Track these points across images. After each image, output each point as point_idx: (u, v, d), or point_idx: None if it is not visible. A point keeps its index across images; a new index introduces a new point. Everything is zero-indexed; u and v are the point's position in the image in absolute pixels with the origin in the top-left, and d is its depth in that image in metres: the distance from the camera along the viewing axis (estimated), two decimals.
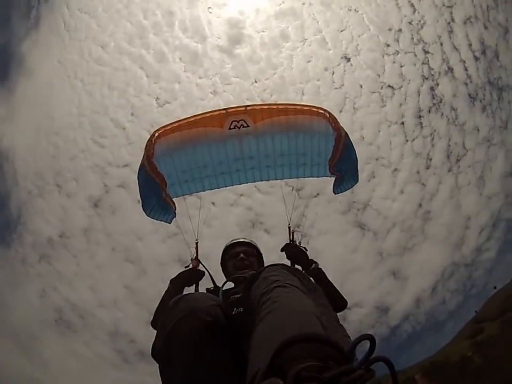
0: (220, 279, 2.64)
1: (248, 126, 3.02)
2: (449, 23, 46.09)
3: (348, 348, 0.89)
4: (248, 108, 3.06)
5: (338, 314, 2.67)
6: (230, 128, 3.02)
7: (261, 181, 3.25)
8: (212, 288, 2.53)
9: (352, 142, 3.11)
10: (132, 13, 45.31)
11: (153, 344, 1.55)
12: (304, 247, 2.91)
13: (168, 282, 2.62)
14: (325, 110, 3.04)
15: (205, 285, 2.65)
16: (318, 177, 3.19)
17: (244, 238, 3.01)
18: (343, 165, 3.09)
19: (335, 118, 3.03)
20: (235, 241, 2.98)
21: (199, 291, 2.62)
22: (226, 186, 3.25)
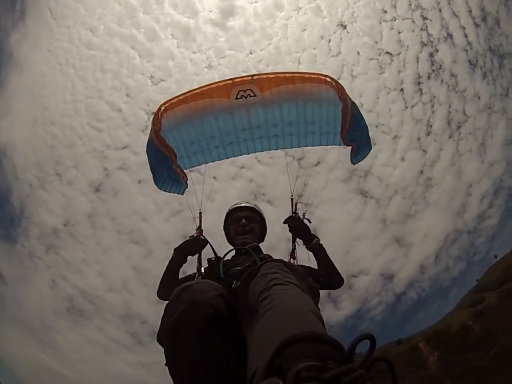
0: (222, 251, 2.64)
1: (255, 95, 2.98)
2: None
3: (348, 348, 0.89)
4: (254, 77, 3.02)
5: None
6: (237, 98, 2.98)
7: (269, 150, 3.22)
8: (213, 259, 2.56)
9: (360, 110, 3.07)
10: None
11: (158, 332, 1.57)
12: (308, 219, 2.91)
13: (172, 251, 2.64)
14: (332, 79, 2.99)
15: (207, 256, 2.66)
16: (327, 145, 3.16)
17: (247, 202, 3.02)
18: (355, 135, 3.07)
19: (341, 87, 2.98)
20: (238, 205, 2.98)
21: (202, 261, 2.63)
22: (234, 156, 3.23)
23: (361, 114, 3.08)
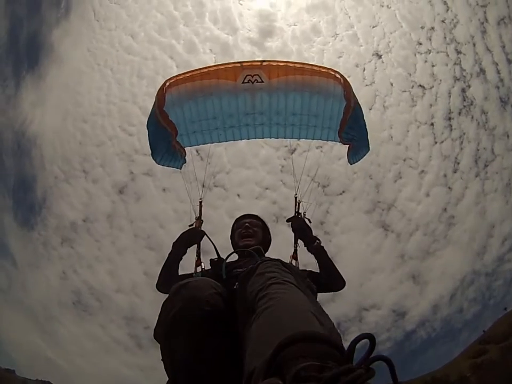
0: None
1: (262, 81, 2.96)
2: (482, 23, 44.25)
3: (348, 347, 0.88)
4: (264, 63, 2.99)
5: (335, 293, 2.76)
6: (243, 82, 2.96)
7: (270, 137, 3.20)
8: (215, 260, 2.52)
9: (363, 112, 3.08)
10: (162, 3, 45.29)
11: (155, 328, 1.57)
12: (308, 219, 2.88)
13: (171, 245, 2.65)
14: (341, 75, 2.98)
15: (207, 252, 2.64)
16: (326, 140, 3.14)
17: (251, 213, 3.02)
18: (353, 134, 3.05)
19: (349, 85, 2.98)
20: (244, 214, 3.00)
21: (201, 254, 2.64)
22: (234, 140, 3.20)
23: (363, 115, 3.07)
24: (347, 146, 3.14)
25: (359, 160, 3.19)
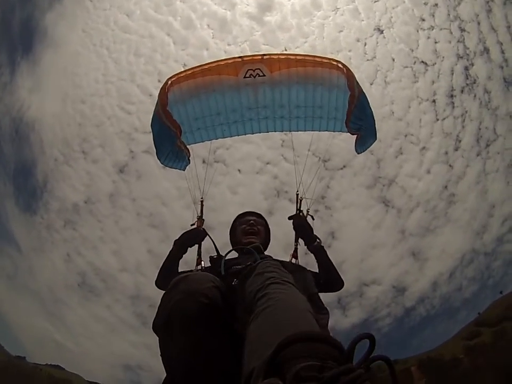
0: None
1: (264, 75, 2.94)
2: (488, 1, 44.42)
3: (348, 347, 0.87)
4: (264, 57, 2.96)
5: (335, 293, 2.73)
6: (245, 77, 2.94)
7: (274, 131, 3.18)
8: (215, 257, 2.53)
9: (368, 100, 3.02)
10: None
11: (154, 320, 1.57)
12: (312, 216, 2.86)
13: (173, 243, 2.65)
14: (343, 65, 2.94)
15: (208, 250, 2.63)
16: (333, 131, 3.11)
17: (255, 211, 2.99)
18: (360, 124, 3.02)
19: (352, 75, 2.93)
20: (247, 211, 2.97)
21: (201, 253, 2.65)
22: (238, 135, 3.19)
23: (368, 104, 3.02)
24: (354, 136, 3.12)
25: (366, 149, 3.16)
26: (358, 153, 3.20)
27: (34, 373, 43.26)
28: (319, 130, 3.11)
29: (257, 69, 2.94)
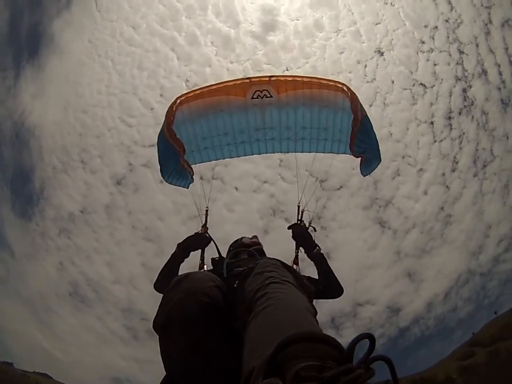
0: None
1: (271, 96, 2.99)
2: (486, 24, 44.81)
3: (348, 347, 0.87)
4: (272, 79, 3.02)
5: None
6: (252, 98, 3.00)
7: (280, 152, 3.23)
8: (217, 259, 2.56)
9: (372, 123, 3.07)
10: None
11: (154, 319, 1.57)
12: (314, 227, 2.90)
13: (176, 246, 2.64)
14: (348, 88, 2.99)
15: (210, 255, 2.66)
16: (337, 153, 3.16)
17: None
18: (364, 148, 3.06)
19: (356, 98, 2.99)
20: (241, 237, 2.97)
21: (205, 258, 2.67)
22: (245, 155, 3.24)
23: (372, 127, 3.07)
24: (359, 158, 3.16)
25: (371, 172, 3.19)
26: (364, 176, 3.23)
27: (22, 380, 42.63)
28: (324, 152, 3.16)
29: (264, 90, 3.00)
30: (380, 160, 3.15)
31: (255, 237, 2.91)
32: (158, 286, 2.59)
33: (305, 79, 3.03)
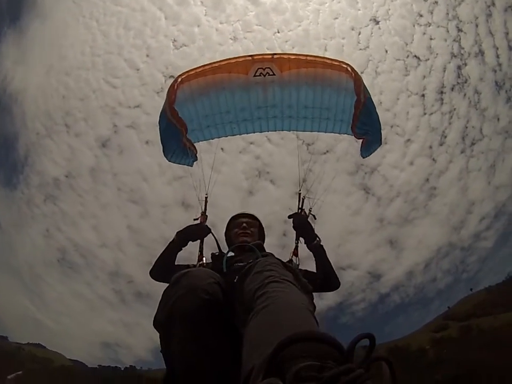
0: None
1: (274, 74, 2.96)
2: (489, 6, 44.78)
3: (348, 347, 0.88)
4: (275, 56, 2.99)
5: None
6: (255, 75, 2.96)
7: (282, 130, 3.22)
8: (217, 254, 2.56)
9: (374, 105, 3.06)
10: None
11: (155, 316, 1.58)
12: (314, 215, 2.88)
13: (175, 234, 2.62)
14: (352, 69, 2.97)
15: (209, 247, 2.66)
16: (339, 133, 3.15)
17: (247, 211, 3.01)
18: (366, 129, 3.07)
19: (359, 79, 2.97)
20: (240, 213, 2.98)
21: (204, 249, 2.64)
22: (247, 133, 3.22)
23: (375, 109, 3.06)
24: (360, 140, 3.16)
25: (371, 154, 3.20)
26: (364, 158, 3.23)
27: (18, 353, 43.07)
28: (325, 132, 3.15)
29: (267, 67, 2.96)
30: (380, 143, 3.15)
31: (246, 216, 2.93)
32: (154, 274, 2.61)
33: (309, 58, 2.99)
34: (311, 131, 3.17)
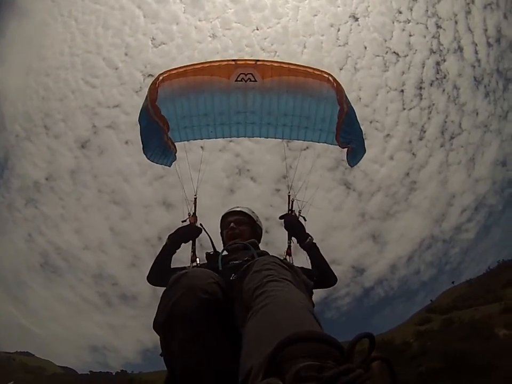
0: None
1: (255, 80, 2.96)
2: (468, 3, 45.51)
3: (347, 347, 0.88)
4: (258, 63, 2.99)
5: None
6: (236, 80, 2.96)
7: (260, 137, 3.22)
8: (211, 253, 2.57)
9: (356, 114, 3.06)
10: None
11: (154, 318, 1.57)
12: (304, 217, 2.91)
13: (167, 238, 2.64)
14: (334, 79, 2.98)
15: (202, 246, 2.70)
16: (318, 142, 3.17)
17: (238, 207, 3.00)
18: (350, 138, 3.08)
19: (341, 90, 2.98)
20: (229, 210, 2.98)
21: (196, 251, 2.65)
22: (224, 138, 3.23)
23: (356, 118, 3.08)
24: (345, 149, 3.18)
25: (358, 162, 3.23)
26: (351, 166, 3.27)
27: (9, 363, 42.17)
28: (304, 140, 3.16)
29: (249, 73, 2.96)
30: (365, 151, 3.19)
31: (235, 214, 2.93)
32: (151, 278, 2.62)
33: (291, 66, 3.01)
34: (290, 139, 3.17)
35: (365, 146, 3.19)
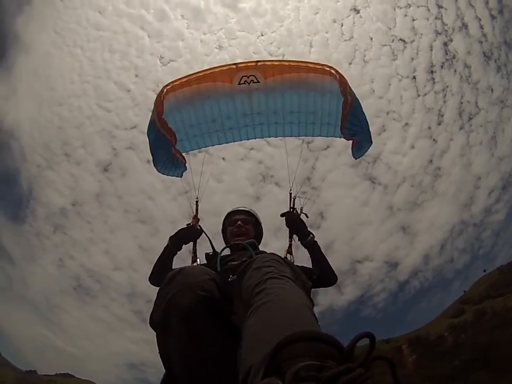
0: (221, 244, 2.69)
1: (258, 81, 2.98)
2: None
3: (347, 346, 0.87)
4: (259, 64, 3.00)
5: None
6: (239, 83, 2.98)
7: (269, 137, 3.24)
8: (210, 253, 2.57)
9: (361, 105, 3.06)
10: None
11: (150, 316, 1.57)
12: (306, 214, 2.90)
13: (168, 239, 2.65)
14: (336, 71, 2.98)
15: (204, 249, 2.67)
16: (327, 136, 3.17)
17: (243, 207, 3.02)
18: (355, 130, 3.06)
19: (345, 81, 2.97)
20: (235, 209, 2.99)
21: (197, 250, 2.68)
22: (234, 142, 3.24)
23: (362, 109, 3.07)
24: (350, 141, 3.15)
25: (363, 154, 3.19)
26: (356, 158, 3.22)
27: None
28: (312, 136, 3.17)
29: (251, 75, 2.98)
30: (371, 143, 3.15)
31: (241, 213, 2.93)
32: (153, 279, 2.62)
33: (292, 63, 3.02)
34: (298, 136, 3.18)
35: (371, 138, 3.16)
